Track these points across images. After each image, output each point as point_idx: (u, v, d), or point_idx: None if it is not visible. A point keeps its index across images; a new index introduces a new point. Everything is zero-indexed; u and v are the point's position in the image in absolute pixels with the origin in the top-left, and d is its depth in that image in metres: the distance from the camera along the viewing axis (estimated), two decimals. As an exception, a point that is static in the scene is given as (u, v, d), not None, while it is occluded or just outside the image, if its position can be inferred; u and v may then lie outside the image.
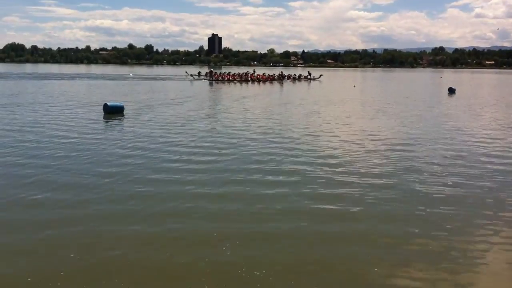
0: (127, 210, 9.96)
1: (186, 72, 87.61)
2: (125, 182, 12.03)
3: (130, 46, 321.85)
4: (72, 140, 17.85)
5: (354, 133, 20.64)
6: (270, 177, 12.67)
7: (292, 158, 15.13)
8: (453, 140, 19.22)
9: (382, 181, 12.38)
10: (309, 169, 13.64)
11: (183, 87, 56.00)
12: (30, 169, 13.17)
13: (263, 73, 79.20)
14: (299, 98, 41.55)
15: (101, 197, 10.79)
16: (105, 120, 24.04)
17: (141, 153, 15.66)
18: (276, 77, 77.95)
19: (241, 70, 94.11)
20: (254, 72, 79.19)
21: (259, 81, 72.08)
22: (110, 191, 11.22)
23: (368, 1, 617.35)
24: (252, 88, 57.13)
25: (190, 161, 14.53)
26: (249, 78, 73.43)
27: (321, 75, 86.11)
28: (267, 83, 69.39)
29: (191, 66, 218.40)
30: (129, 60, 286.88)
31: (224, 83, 68.03)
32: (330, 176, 12.88)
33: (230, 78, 73.56)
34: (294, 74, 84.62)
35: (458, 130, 21.95)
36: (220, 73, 79.04)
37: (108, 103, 26.76)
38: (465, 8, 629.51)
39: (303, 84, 72.18)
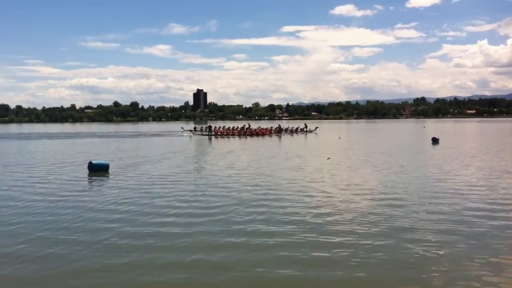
0: (112, 271, 9.68)
1: (182, 127, 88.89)
2: (109, 243, 11.69)
3: (116, 103, 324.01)
4: (56, 200, 17.41)
5: (339, 185, 20.52)
6: (259, 227, 12.47)
7: (278, 210, 14.93)
8: (438, 191, 19.11)
9: (365, 232, 12.27)
10: (295, 221, 13.45)
11: (172, 142, 55.95)
12: (10, 229, 12.77)
13: (259, 127, 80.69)
14: (288, 151, 41.61)
15: (84, 260, 10.41)
16: (89, 179, 23.62)
17: (122, 213, 15.31)
18: (274, 130, 79.17)
19: (238, 124, 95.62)
20: (249, 126, 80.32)
21: (257, 135, 73.00)
22: (94, 254, 10.85)
23: (349, 54, 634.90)
24: (251, 142, 57.62)
25: (175, 219, 14.25)
26: (248, 132, 74.52)
27: (316, 127, 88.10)
28: (266, 136, 70.43)
29: (177, 122, 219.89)
30: (115, 118, 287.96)
31: (223, 137, 68.80)
32: (314, 228, 12.67)
33: (230, 132, 74.49)
34: (292, 127, 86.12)
35: (443, 180, 21.76)
36: (220, 127, 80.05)
37: (93, 162, 26.45)
38: (444, 58, 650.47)
39: (300, 136, 72.95)
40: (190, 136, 72.46)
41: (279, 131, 79.84)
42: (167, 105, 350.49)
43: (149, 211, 15.42)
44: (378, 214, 14.61)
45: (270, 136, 72.17)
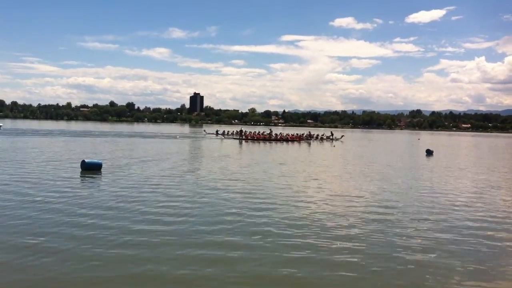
0: (101, 270, 9.62)
1: (204, 130, 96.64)
2: (98, 242, 11.60)
3: (112, 103, 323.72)
4: (46, 197, 17.27)
5: (332, 195, 20.50)
6: (241, 238, 12.38)
7: (262, 219, 14.88)
8: (430, 203, 19.14)
9: (355, 245, 12.21)
10: (278, 230, 13.41)
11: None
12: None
13: (291, 133, 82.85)
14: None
15: (75, 257, 10.34)
16: (81, 177, 23.50)
17: (112, 211, 15.24)
18: (304, 137, 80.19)
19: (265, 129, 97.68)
20: (271, 131, 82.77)
21: (287, 141, 73.99)
22: (84, 251, 10.78)
23: (347, 65, 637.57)
24: (280, 147, 58.38)
25: (164, 219, 14.21)
26: (279, 138, 75.99)
27: (342, 136, 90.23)
28: (296, 143, 71.58)
29: (172, 124, 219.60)
30: (110, 117, 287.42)
31: (254, 142, 69.78)
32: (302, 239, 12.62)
33: (260, 137, 76.03)
34: (322, 134, 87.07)
35: (435, 192, 21.83)
36: (251, 132, 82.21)
37: (86, 160, 26.32)
38: (441, 73, 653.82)
39: (326, 144, 73.16)
40: (221, 140, 74.36)
41: (308, 137, 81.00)
42: (163, 107, 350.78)
43: (138, 211, 15.32)
44: (367, 223, 14.63)
45: (299, 142, 73.02)
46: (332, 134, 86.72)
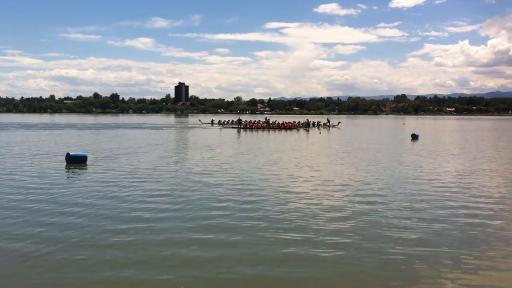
0: (86, 259, 9.62)
1: (199, 120, 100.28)
2: (84, 233, 11.55)
3: (96, 95, 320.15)
4: (32, 190, 17.14)
5: (319, 184, 20.50)
6: (225, 236, 12.32)
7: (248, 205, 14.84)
8: (416, 186, 19.34)
9: (341, 237, 12.25)
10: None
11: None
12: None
13: (289, 121, 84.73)
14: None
15: (62, 247, 10.27)
16: (66, 170, 23.26)
17: (96, 203, 15.14)
18: (301, 125, 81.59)
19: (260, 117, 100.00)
20: (268, 120, 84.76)
21: (285, 129, 74.87)
22: (71, 241, 10.69)
23: (332, 51, 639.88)
24: (276, 135, 58.58)
25: (151, 209, 14.15)
26: (276, 126, 76.86)
27: (339, 122, 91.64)
28: (294, 130, 72.55)
29: (158, 114, 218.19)
30: (94, 109, 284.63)
31: (252, 130, 71.16)
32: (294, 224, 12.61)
33: (258, 125, 77.55)
34: (319, 122, 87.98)
35: (420, 178, 21.76)
36: (250, 121, 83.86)
37: (71, 153, 26.05)
38: (425, 57, 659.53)
39: (322, 130, 74.67)
40: (220, 129, 76.08)
41: (306, 125, 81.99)
42: (148, 97, 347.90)
43: (123, 203, 15.24)
44: (353, 211, 14.67)
45: (298, 130, 74.05)
46: (328, 121, 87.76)
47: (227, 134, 60.92)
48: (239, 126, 76.97)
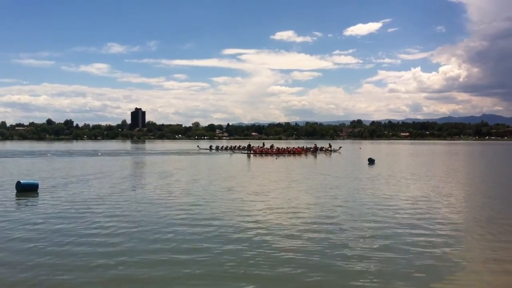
0: None
1: (198, 146, 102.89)
2: (31, 264, 10.99)
3: (49, 121, 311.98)
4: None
5: (274, 208, 20.48)
6: (179, 255, 12.01)
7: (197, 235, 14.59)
8: (373, 211, 19.49)
9: (296, 257, 12.25)
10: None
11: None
12: None
13: (297, 146, 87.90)
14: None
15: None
16: (16, 199, 22.28)
17: (46, 233, 14.54)
18: (310, 150, 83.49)
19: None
20: (273, 146, 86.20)
21: (294, 154, 76.02)
22: (17, 275, 10.11)
23: (289, 77, 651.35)
24: (287, 160, 59.09)
25: (102, 241, 13.65)
26: (286, 151, 77.93)
27: (340, 147, 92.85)
28: (302, 155, 73.58)
29: (113, 140, 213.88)
30: (47, 136, 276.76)
31: (262, 156, 72.03)
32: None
33: (268, 151, 78.88)
34: (327, 147, 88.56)
35: (376, 203, 21.71)
36: (258, 146, 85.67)
37: (21, 181, 25.03)
38: (379, 83, 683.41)
39: (323, 155, 75.18)
40: (231, 154, 77.76)
41: (314, 150, 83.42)
42: (104, 123, 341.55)
43: (74, 230, 14.80)
44: (309, 237, 14.68)
45: (306, 155, 75.01)
46: (330, 146, 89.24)
47: (241, 159, 60.28)
48: (249, 152, 78.03)
